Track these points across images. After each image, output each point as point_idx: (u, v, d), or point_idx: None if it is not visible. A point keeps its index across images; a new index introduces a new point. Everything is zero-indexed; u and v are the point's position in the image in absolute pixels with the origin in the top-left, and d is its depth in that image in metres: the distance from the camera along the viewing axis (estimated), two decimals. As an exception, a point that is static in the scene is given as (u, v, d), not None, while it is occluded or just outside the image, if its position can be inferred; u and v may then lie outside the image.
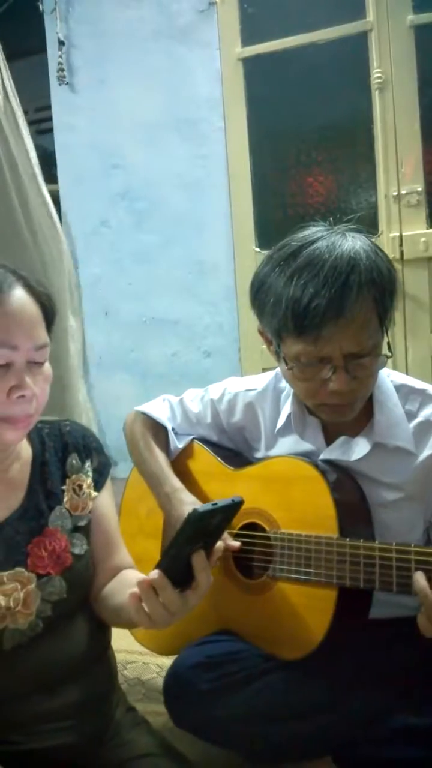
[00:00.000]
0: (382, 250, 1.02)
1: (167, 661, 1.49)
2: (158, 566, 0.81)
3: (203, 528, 0.80)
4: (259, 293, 1.03)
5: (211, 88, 2.41)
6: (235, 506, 0.82)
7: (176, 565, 0.81)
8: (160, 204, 2.50)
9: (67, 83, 2.56)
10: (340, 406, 1.01)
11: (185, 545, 0.80)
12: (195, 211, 2.46)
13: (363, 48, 2.23)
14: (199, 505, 0.78)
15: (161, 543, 1.26)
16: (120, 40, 2.49)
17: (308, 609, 1.02)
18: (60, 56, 2.52)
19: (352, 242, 0.98)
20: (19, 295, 0.86)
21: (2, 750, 0.86)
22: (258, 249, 2.39)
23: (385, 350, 1.01)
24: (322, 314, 0.93)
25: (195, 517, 0.77)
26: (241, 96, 2.39)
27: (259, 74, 2.37)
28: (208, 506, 0.78)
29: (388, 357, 1.00)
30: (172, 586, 0.80)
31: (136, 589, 0.82)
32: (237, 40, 2.38)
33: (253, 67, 2.37)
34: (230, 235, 2.42)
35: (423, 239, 2.17)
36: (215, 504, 0.79)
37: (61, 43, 2.54)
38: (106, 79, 2.53)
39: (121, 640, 1.15)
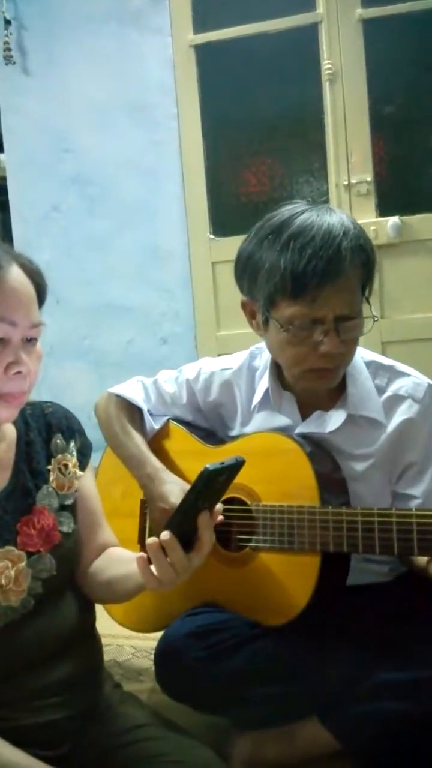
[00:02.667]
0: None
1: (141, 643, 1.52)
2: (167, 527, 0.84)
3: (211, 487, 0.84)
4: (248, 265, 1.07)
5: (163, 74, 2.41)
6: (238, 466, 0.86)
7: (184, 526, 0.84)
8: (112, 190, 2.48)
9: (14, 63, 2.49)
10: (326, 371, 1.06)
11: (194, 505, 0.84)
12: (148, 198, 2.46)
13: (313, 39, 2.29)
14: (209, 464, 0.82)
15: (139, 523, 1.28)
16: (71, 21, 2.46)
17: (291, 576, 1.06)
18: (6, 36, 2.45)
19: (338, 214, 1.04)
20: (16, 272, 0.86)
21: (0, 726, 0.85)
22: (212, 236, 2.42)
23: (368, 316, 1.07)
24: (320, 275, 0.98)
25: (207, 475, 0.80)
26: (194, 83, 2.40)
27: (211, 62, 2.39)
28: (217, 465, 0.81)
29: (375, 320, 1.06)
30: (181, 546, 0.84)
31: (143, 554, 0.85)
32: (189, 27, 2.39)
33: (205, 54, 2.39)
34: (184, 222, 2.43)
35: (373, 227, 2.25)
36: (222, 463, 0.82)
37: (8, 22, 2.47)
38: (57, 61, 2.49)
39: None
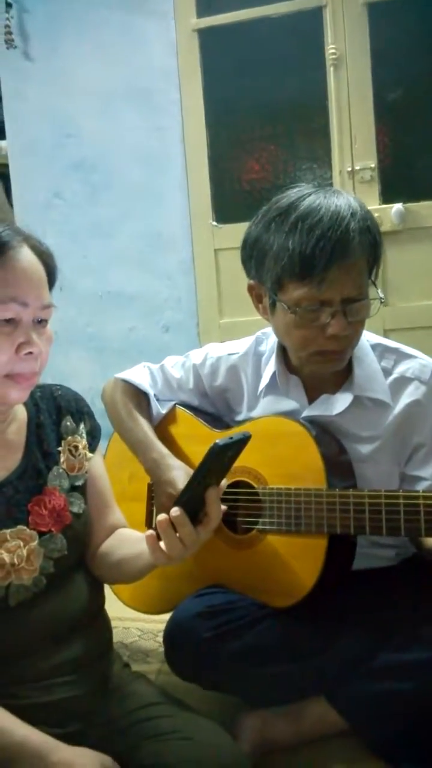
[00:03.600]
0: None
1: (147, 625, 1.54)
2: (177, 503, 0.86)
3: (220, 461, 0.85)
4: (255, 248, 1.07)
5: (166, 59, 2.39)
6: (245, 441, 0.87)
7: (192, 501, 0.86)
8: (115, 176, 2.47)
9: (15, 47, 2.47)
10: (333, 353, 1.07)
11: (203, 480, 0.85)
12: (151, 184, 2.45)
13: (318, 23, 2.26)
14: (219, 439, 0.83)
15: (146, 506, 1.29)
16: (73, 4, 2.43)
17: (298, 558, 1.07)
18: (7, 19, 2.43)
19: (345, 196, 1.04)
20: (26, 253, 0.87)
21: (12, 704, 0.86)
22: (215, 223, 2.41)
23: (374, 298, 1.07)
24: (328, 256, 0.99)
25: (217, 449, 0.82)
26: (197, 68, 2.38)
27: (214, 46, 2.37)
28: (226, 440, 0.83)
29: (382, 302, 1.06)
30: (190, 521, 0.85)
31: (151, 531, 0.86)
32: (192, 11, 2.36)
33: (208, 39, 2.36)
34: (187, 209, 2.42)
35: (376, 214, 2.21)
36: (231, 438, 0.84)
37: (8, 5, 2.45)
38: (59, 45, 2.46)
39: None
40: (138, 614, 1.32)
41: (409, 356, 1.15)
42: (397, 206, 2.24)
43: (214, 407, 1.30)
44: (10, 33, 2.46)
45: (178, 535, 0.86)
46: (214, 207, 2.41)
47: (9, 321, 0.84)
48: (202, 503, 0.87)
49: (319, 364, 1.09)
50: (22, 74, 2.50)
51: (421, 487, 1.09)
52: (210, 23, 2.35)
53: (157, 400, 1.30)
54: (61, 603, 0.94)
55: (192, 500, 0.87)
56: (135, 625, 1.54)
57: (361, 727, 1.06)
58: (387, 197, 2.28)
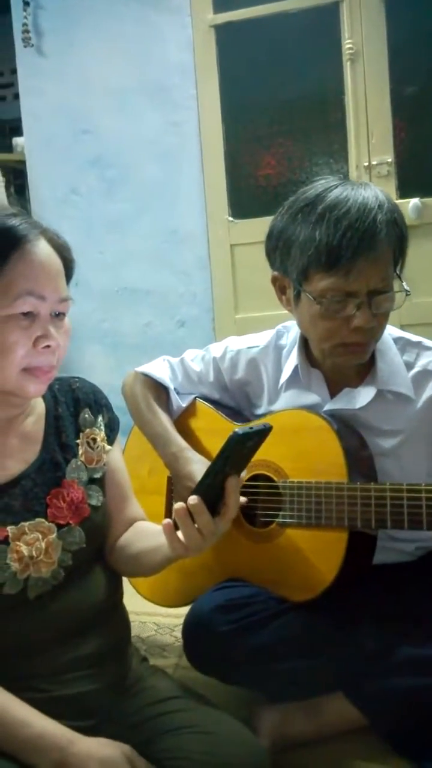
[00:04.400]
0: None
1: (164, 620, 1.54)
2: (195, 492, 0.85)
3: (239, 451, 0.84)
4: (281, 239, 1.07)
5: (182, 55, 2.39)
6: (266, 432, 0.86)
7: (211, 491, 0.85)
8: (131, 172, 2.47)
9: (33, 45, 2.48)
10: (357, 345, 1.06)
11: (222, 469, 0.84)
12: (167, 180, 2.45)
13: (335, 18, 2.25)
14: (239, 428, 0.82)
15: (166, 499, 1.28)
16: (89, 2, 2.43)
17: (318, 552, 1.07)
18: (25, 17, 2.44)
19: (372, 188, 1.03)
20: (44, 246, 0.86)
21: (31, 697, 0.86)
22: (231, 218, 2.40)
23: (399, 291, 1.06)
24: (355, 247, 0.98)
25: (236, 438, 0.81)
26: (213, 64, 2.38)
27: (231, 42, 2.36)
28: (246, 429, 0.82)
29: (407, 294, 1.05)
30: (208, 511, 0.84)
31: (168, 520, 0.86)
32: (209, 6, 2.36)
33: (225, 34, 2.36)
34: (203, 204, 2.42)
35: (393, 210, 2.23)
36: (251, 428, 0.83)
37: (26, 3, 2.45)
38: (75, 43, 2.47)
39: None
40: (155, 609, 1.32)
41: (431, 349, 1.14)
42: (414, 201, 2.23)
43: (234, 401, 1.29)
44: (27, 32, 2.47)
45: (195, 525, 0.85)
46: (230, 202, 2.41)
47: (27, 314, 0.84)
48: (221, 493, 0.86)
49: (343, 356, 1.08)
50: (39, 71, 2.51)
51: None
52: (226, 19, 2.35)
53: (177, 393, 1.30)
54: (80, 596, 0.94)
55: (211, 490, 0.85)
56: (152, 619, 1.54)
57: (381, 723, 1.05)
58: (404, 192, 2.27)
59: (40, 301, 0.84)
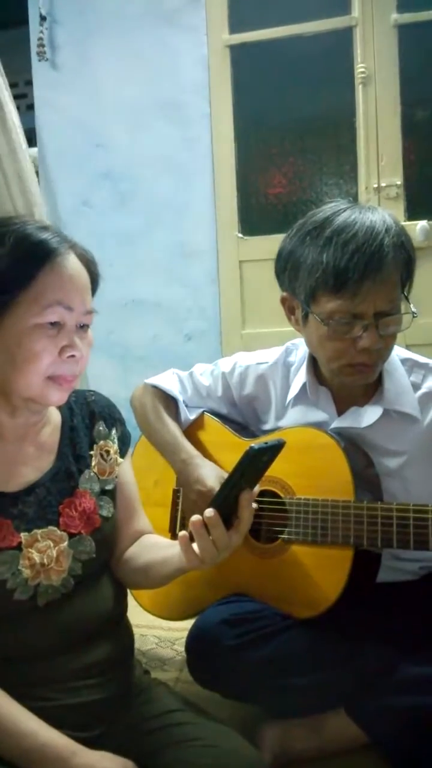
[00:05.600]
0: None
1: (165, 633, 1.54)
2: (211, 505, 0.87)
3: (255, 466, 0.86)
4: (290, 261, 1.09)
5: (197, 73, 2.43)
6: (280, 447, 0.88)
7: (226, 504, 0.87)
8: (143, 186, 2.50)
9: (47, 59, 2.52)
10: (364, 366, 1.07)
11: (238, 483, 0.86)
12: (179, 195, 2.48)
13: (348, 43, 2.30)
14: (255, 443, 0.84)
15: (170, 511, 1.29)
16: (106, 18, 2.48)
17: (322, 570, 1.07)
18: (41, 32, 2.48)
19: (380, 212, 1.05)
20: (73, 260, 0.89)
21: (37, 706, 0.87)
22: (240, 235, 2.43)
23: (406, 312, 1.08)
24: (362, 271, 1.00)
25: (252, 453, 0.83)
26: (227, 83, 2.42)
27: (245, 62, 2.40)
28: (261, 444, 0.85)
29: (414, 316, 1.07)
30: (223, 524, 0.86)
31: (184, 532, 0.88)
32: (225, 26, 2.40)
33: (239, 54, 2.40)
34: (213, 220, 2.45)
35: (401, 231, 2.25)
36: (266, 443, 0.85)
37: (43, 18, 2.50)
38: (91, 58, 2.51)
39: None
40: (155, 622, 1.32)
41: None
42: (422, 223, 2.26)
43: (242, 416, 1.31)
44: (43, 45, 2.51)
45: (210, 537, 0.86)
46: (240, 219, 2.44)
47: (54, 324, 0.87)
48: (235, 507, 0.88)
49: (350, 376, 1.10)
50: (54, 84, 2.55)
51: None
52: (241, 39, 2.39)
53: (186, 406, 1.31)
54: (88, 605, 0.95)
55: (225, 503, 0.87)
56: (152, 632, 1.54)
57: (382, 741, 1.06)
58: (412, 214, 2.30)
59: (68, 312, 0.87)
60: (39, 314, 0.85)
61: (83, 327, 0.90)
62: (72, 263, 0.89)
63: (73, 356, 0.88)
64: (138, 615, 1.27)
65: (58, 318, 0.86)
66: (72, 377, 0.90)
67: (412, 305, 1.09)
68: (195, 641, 1.11)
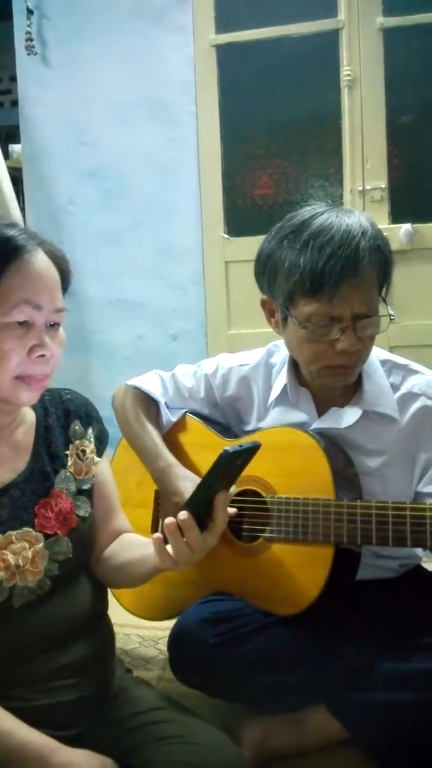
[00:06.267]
0: None
1: (148, 632, 1.54)
2: (185, 507, 0.87)
3: (229, 468, 0.86)
4: (268, 264, 1.10)
5: (184, 73, 2.42)
6: (255, 450, 0.89)
7: (200, 507, 0.87)
8: (129, 185, 2.50)
9: (36, 54, 2.50)
10: (343, 368, 1.08)
11: (212, 485, 0.86)
12: (165, 194, 2.47)
13: (334, 45, 2.31)
14: (229, 446, 0.85)
15: (152, 513, 1.30)
16: (93, 15, 2.47)
17: (304, 567, 1.08)
18: (28, 26, 2.47)
19: (356, 215, 1.06)
20: (41, 257, 0.88)
21: (15, 706, 0.86)
22: (226, 235, 2.44)
23: (384, 315, 1.09)
24: (338, 274, 1.01)
25: (226, 456, 0.83)
26: (214, 82, 2.42)
27: (232, 62, 2.40)
28: (236, 447, 0.85)
29: (391, 318, 1.08)
30: (197, 526, 0.86)
31: (158, 534, 0.88)
32: (211, 26, 2.40)
33: (226, 54, 2.40)
34: (199, 220, 2.45)
35: (385, 234, 2.26)
36: (241, 446, 0.86)
37: (30, 11, 2.48)
38: (77, 54, 2.50)
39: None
40: (138, 621, 1.32)
41: (416, 372, 1.17)
42: (406, 226, 2.27)
43: (224, 417, 1.31)
44: (31, 39, 2.49)
45: (185, 539, 0.86)
46: (225, 219, 2.44)
47: (22, 323, 0.85)
48: (210, 509, 0.88)
49: (329, 377, 1.11)
50: (40, 80, 2.53)
51: None
52: (228, 39, 2.39)
53: (168, 407, 1.32)
54: (65, 606, 0.95)
55: (200, 505, 0.88)
56: (136, 632, 1.54)
57: (362, 736, 1.07)
58: (396, 217, 2.31)
59: (36, 311, 0.86)
60: (6, 314, 0.84)
61: (54, 326, 0.89)
62: (40, 260, 0.87)
63: (42, 356, 0.87)
64: (121, 614, 1.27)
65: (27, 317, 0.85)
66: (42, 377, 0.89)
67: (389, 307, 1.10)
68: (176, 640, 1.11)
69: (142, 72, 2.46)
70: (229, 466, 0.86)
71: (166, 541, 0.88)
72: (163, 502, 1.20)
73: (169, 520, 0.86)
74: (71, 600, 0.96)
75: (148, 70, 2.46)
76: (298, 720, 1.11)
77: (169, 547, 0.88)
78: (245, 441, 0.93)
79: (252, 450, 0.88)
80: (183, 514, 0.86)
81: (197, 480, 1.16)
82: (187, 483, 1.15)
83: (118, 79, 2.47)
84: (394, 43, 2.26)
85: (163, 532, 0.87)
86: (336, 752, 1.09)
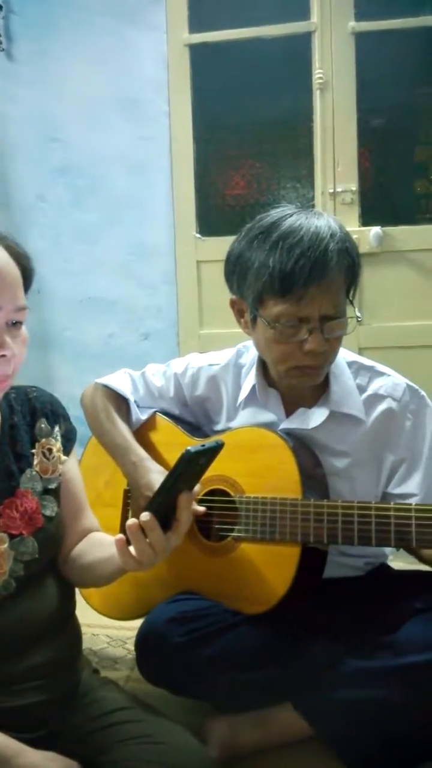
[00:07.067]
0: None
1: (116, 632, 1.54)
2: (147, 508, 0.87)
3: (192, 468, 0.86)
4: (238, 265, 1.10)
5: (156, 71, 2.41)
6: (218, 449, 0.88)
7: (163, 507, 0.87)
8: (100, 183, 2.48)
9: (3, 50, 2.47)
10: (310, 368, 1.09)
11: (174, 486, 0.86)
12: (136, 193, 2.46)
13: (306, 48, 2.32)
14: (191, 446, 0.84)
15: (121, 512, 1.29)
16: (64, 11, 2.44)
17: (271, 566, 1.09)
18: (-4, 21, 2.43)
19: (326, 218, 1.07)
20: (2, 254, 0.86)
21: (-20, 708, 0.86)
22: (198, 235, 2.44)
23: (351, 317, 1.10)
24: (307, 275, 1.02)
25: (188, 456, 0.83)
26: (187, 82, 2.41)
27: (205, 62, 2.40)
28: (198, 447, 0.84)
29: (358, 320, 1.09)
30: (160, 527, 0.85)
31: (121, 535, 0.86)
32: (185, 26, 2.40)
33: (199, 54, 2.40)
34: (171, 220, 2.44)
35: (355, 236, 2.26)
36: (204, 445, 0.85)
37: (-1, 7, 2.45)
38: (48, 50, 2.47)
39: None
40: (107, 621, 1.32)
41: (382, 374, 1.19)
42: (376, 229, 2.30)
43: (194, 416, 1.31)
44: (-1, 35, 2.46)
45: (147, 540, 0.86)
46: (198, 219, 2.44)
47: None
48: (174, 509, 0.88)
49: (297, 378, 1.12)
50: (8, 76, 2.49)
51: (411, 502, 1.11)
52: (201, 39, 2.39)
53: (138, 406, 1.31)
54: (31, 607, 0.94)
55: (163, 506, 0.87)
56: (104, 632, 1.54)
57: (327, 733, 1.08)
58: (366, 220, 2.34)
59: None
60: None
61: (15, 324, 0.87)
62: (0, 257, 0.85)
63: (3, 356, 0.85)
64: (89, 614, 1.26)
65: None
66: (3, 377, 0.87)
67: (357, 309, 1.11)
68: (143, 639, 1.11)
69: (114, 70, 2.44)
70: (192, 465, 0.86)
71: (129, 542, 0.87)
72: (134, 497, 1.19)
73: (130, 521, 0.86)
74: (38, 601, 0.96)
75: (121, 67, 2.44)
76: (263, 718, 1.11)
77: (132, 548, 0.87)
78: (208, 441, 0.93)
79: (215, 449, 0.88)
80: (145, 515, 0.85)
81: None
82: (157, 476, 1.15)
83: (90, 76, 2.45)
84: (366, 47, 2.29)
85: (125, 532, 0.86)
86: (300, 750, 1.10)
